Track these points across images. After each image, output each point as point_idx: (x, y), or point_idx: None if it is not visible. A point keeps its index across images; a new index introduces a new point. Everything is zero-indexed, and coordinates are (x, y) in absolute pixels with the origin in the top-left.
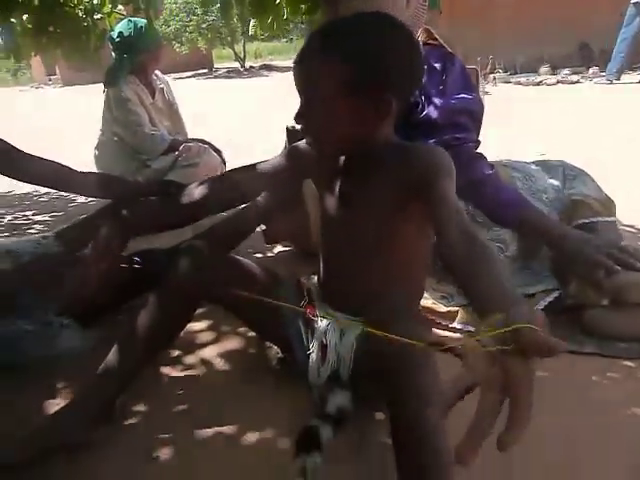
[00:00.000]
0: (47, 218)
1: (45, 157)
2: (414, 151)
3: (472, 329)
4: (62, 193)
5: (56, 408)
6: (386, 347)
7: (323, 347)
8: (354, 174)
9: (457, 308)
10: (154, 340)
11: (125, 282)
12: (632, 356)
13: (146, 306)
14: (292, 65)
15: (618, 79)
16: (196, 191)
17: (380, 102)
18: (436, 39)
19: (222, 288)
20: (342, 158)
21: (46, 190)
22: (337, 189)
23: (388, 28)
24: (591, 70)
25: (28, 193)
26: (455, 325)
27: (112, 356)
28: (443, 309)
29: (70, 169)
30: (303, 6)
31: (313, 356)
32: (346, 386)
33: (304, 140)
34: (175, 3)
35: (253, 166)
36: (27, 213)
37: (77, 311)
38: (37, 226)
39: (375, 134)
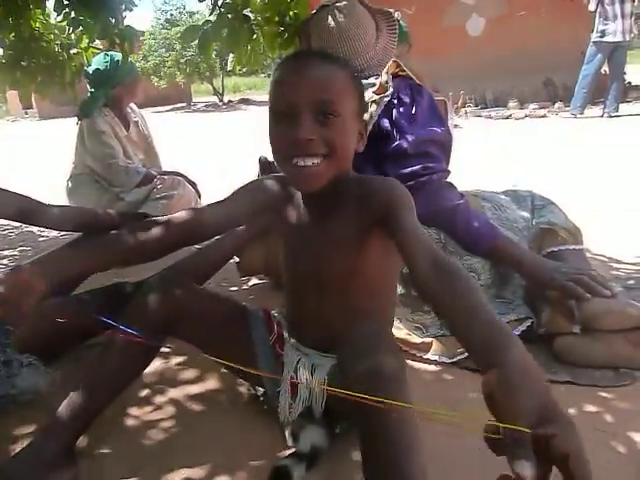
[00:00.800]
0: (15, 253)
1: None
2: (373, 184)
3: (447, 360)
4: (32, 227)
5: (13, 452)
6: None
7: (294, 383)
8: (316, 208)
9: (431, 339)
10: (117, 378)
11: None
12: (606, 384)
13: (109, 342)
14: (294, 73)
15: (582, 113)
16: (159, 227)
17: (365, 125)
18: (404, 71)
19: (189, 324)
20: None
21: (16, 224)
22: (300, 224)
23: None
24: (557, 105)
25: None
26: (429, 356)
27: (73, 395)
28: (417, 340)
29: (39, 202)
30: (279, 40)
31: (283, 392)
32: (319, 422)
33: (272, 174)
34: (154, 39)
35: (220, 203)
36: None
37: (38, 348)
38: (4, 261)
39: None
